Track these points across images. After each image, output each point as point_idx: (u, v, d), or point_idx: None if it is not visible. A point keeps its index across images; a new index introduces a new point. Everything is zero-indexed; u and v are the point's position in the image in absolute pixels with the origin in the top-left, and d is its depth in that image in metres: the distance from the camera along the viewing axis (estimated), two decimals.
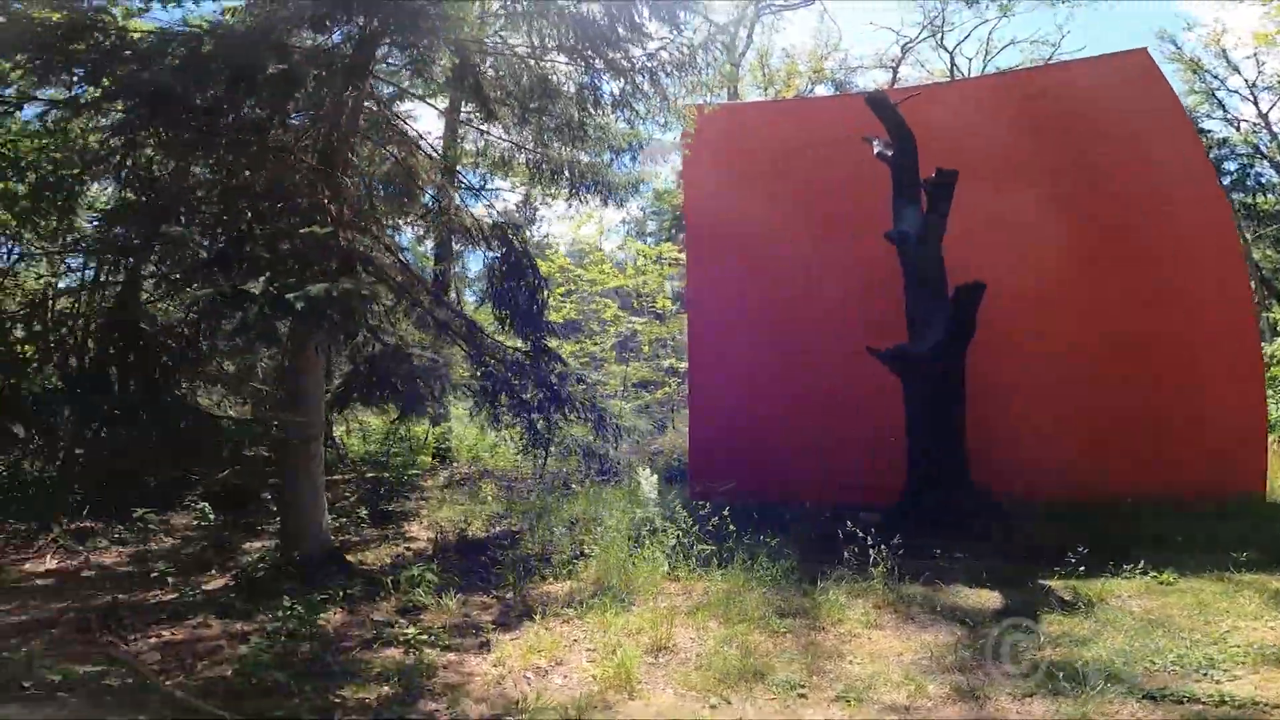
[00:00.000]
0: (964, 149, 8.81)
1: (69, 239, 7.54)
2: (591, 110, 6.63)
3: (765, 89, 22.53)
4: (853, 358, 8.21)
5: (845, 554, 5.72)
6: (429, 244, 12.18)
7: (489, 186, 7.98)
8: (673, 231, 22.29)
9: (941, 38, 22.84)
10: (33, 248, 10.36)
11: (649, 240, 21.73)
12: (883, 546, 5.53)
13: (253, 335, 4.84)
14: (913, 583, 5.61)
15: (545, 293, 6.76)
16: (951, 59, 22.96)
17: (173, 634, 4.62)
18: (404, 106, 10.07)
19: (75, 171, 6.29)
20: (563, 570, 6.04)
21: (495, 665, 4.40)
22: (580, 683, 4.14)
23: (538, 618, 5.06)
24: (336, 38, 6.10)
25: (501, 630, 4.93)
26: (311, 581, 5.43)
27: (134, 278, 6.02)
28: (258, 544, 6.95)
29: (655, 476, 7.12)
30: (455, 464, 10.88)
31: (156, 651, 4.29)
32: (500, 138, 7.64)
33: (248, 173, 5.47)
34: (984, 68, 22.76)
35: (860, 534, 5.68)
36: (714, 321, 9.86)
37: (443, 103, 9.46)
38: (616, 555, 5.84)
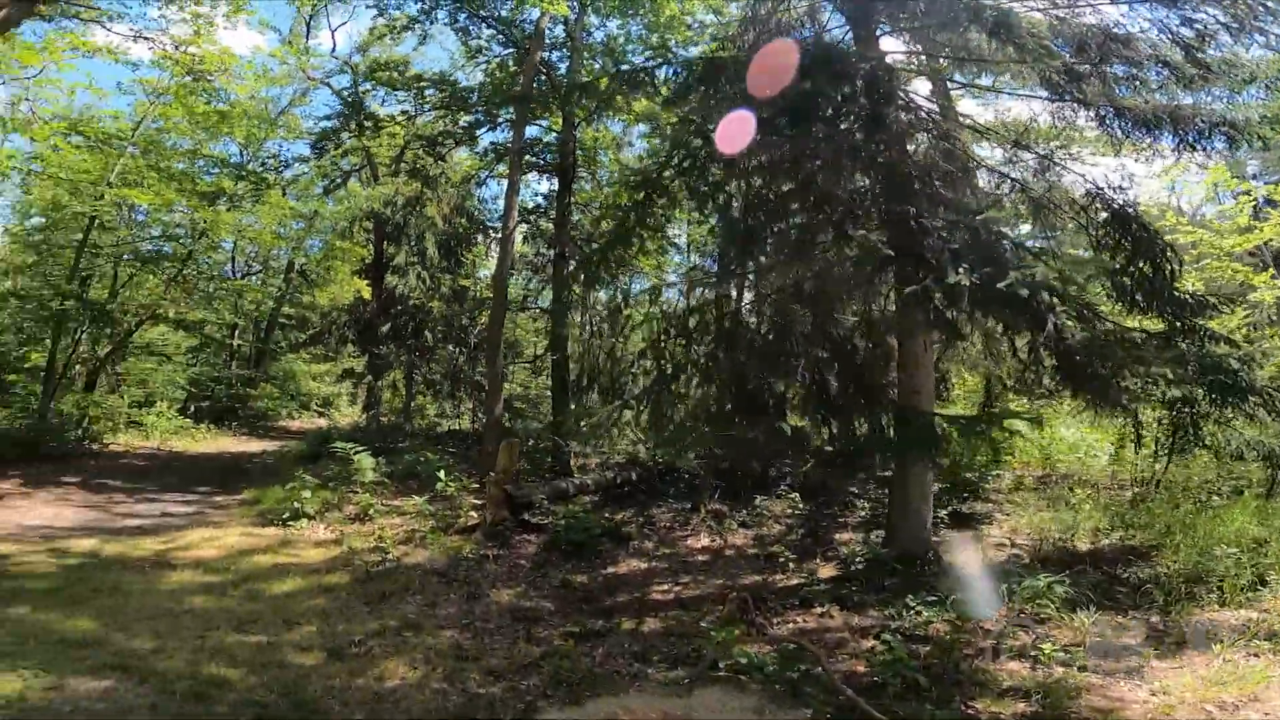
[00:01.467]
0: None
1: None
2: (1195, 45, 5.39)
3: None
4: None
5: None
6: None
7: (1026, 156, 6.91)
8: None
9: None
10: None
11: (1258, 183, 15.79)
12: None
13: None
14: None
15: (1173, 263, 5.74)
16: None
17: (804, 620, 5.24)
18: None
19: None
20: (1233, 596, 4.86)
21: (1155, 694, 3.86)
22: None
23: (1217, 646, 4.21)
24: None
25: (1155, 656, 4.28)
26: (914, 580, 5.51)
27: (721, 295, 7.09)
28: (844, 535, 7.44)
29: None
30: (1020, 465, 9.77)
31: (793, 638, 4.84)
32: (1043, 98, 6.67)
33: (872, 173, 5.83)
34: None
35: None
36: None
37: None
38: None
